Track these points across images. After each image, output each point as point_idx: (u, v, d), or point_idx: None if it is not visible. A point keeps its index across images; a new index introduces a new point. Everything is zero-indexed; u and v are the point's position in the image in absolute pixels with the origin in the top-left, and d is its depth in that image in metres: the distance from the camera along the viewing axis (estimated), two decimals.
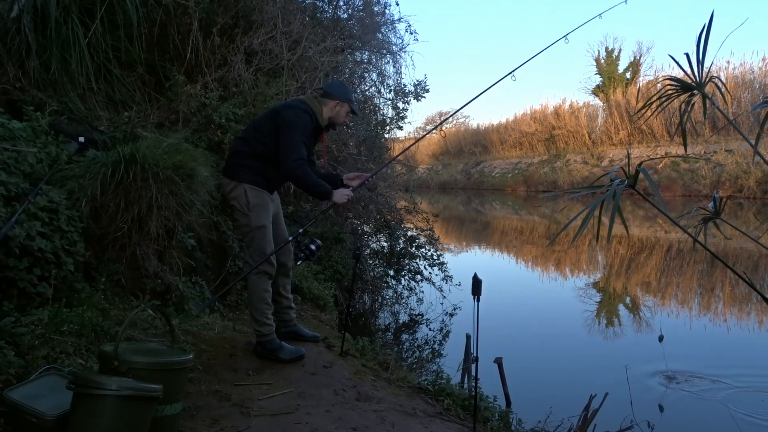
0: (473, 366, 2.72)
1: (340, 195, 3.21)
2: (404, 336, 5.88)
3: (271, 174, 3.22)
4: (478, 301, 2.63)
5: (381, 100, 7.12)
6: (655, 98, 2.13)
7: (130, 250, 3.30)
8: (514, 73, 3.38)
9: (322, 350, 3.55)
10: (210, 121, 4.39)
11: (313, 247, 3.33)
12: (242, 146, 3.25)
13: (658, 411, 3.50)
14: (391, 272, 6.75)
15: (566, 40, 3.32)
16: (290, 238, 3.35)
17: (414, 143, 5.11)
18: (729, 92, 17.32)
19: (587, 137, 27.17)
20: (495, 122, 34.10)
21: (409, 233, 6.90)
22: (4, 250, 2.48)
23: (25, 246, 2.56)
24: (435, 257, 6.73)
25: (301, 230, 3.32)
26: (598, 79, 29.59)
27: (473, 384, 2.99)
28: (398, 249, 6.74)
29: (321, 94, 3.30)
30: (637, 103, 23.47)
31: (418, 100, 6.77)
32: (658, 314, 6.42)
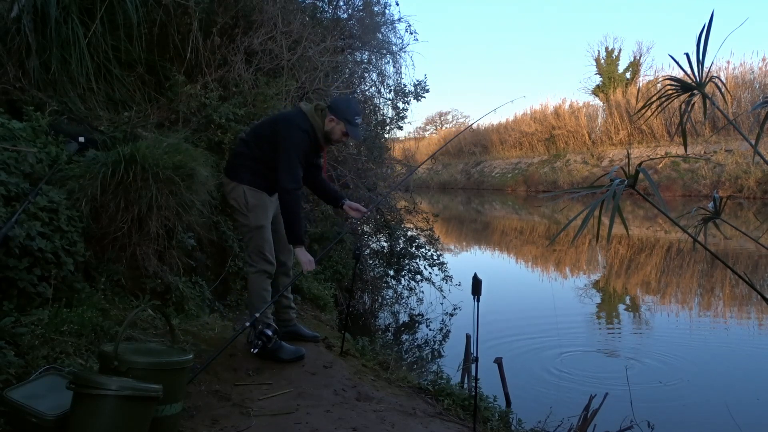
0: (473, 366, 2.72)
1: (306, 259, 3.18)
2: (404, 336, 5.87)
3: (270, 177, 3.23)
4: (478, 301, 2.63)
5: (381, 100, 7.12)
6: (655, 98, 2.13)
7: (130, 250, 3.30)
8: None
9: (322, 350, 3.55)
10: (210, 121, 4.39)
11: (269, 332, 3.19)
12: (243, 148, 3.29)
13: (658, 411, 3.50)
14: (391, 272, 6.75)
15: (495, 111, 3.64)
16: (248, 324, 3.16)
17: (417, 167, 5.15)
18: (729, 92, 17.32)
19: (587, 137, 27.16)
20: (495, 122, 34.11)
21: (409, 233, 6.89)
22: (4, 250, 2.48)
23: (25, 246, 2.56)
24: (435, 257, 6.72)
25: (257, 314, 3.15)
26: (598, 79, 29.59)
27: (473, 384, 3.00)
28: (398, 249, 6.73)
29: (327, 106, 3.30)
30: (637, 103, 23.45)
31: (418, 100, 6.75)
32: (658, 314, 6.42)
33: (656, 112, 2.22)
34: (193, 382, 2.75)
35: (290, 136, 3.13)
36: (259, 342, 3.16)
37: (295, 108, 3.42)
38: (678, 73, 2.07)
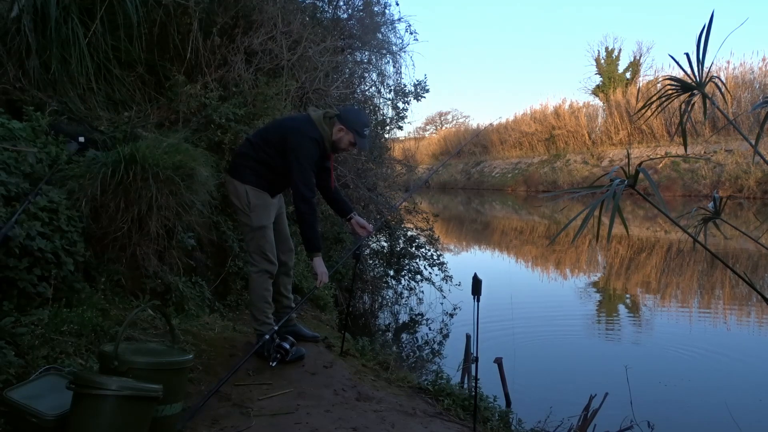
0: (473, 366, 2.72)
1: (322, 270, 3.20)
2: (404, 336, 5.88)
3: (273, 179, 3.24)
4: (478, 301, 2.63)
5: (381, 100, 7.12)
6: (655, 98, 2.13)
7: (130, 250, 3.30)
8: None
9: (322, 350, 3.55)
10: (210, 121, 4.39)
11: (286, 345, 3.21)
12: (248, 149, 3.29)
13: (658, 411, 3.50)
14: (391, 272, 6.75)
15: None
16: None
17: (424, 182, 5.12)
18: (729, 92, 17.32)
19: (587, 137, 27.17)
20: (495, 122, 34.10)
21: (409, 233, 6.89)
22: (4, 250, 2.48)
23: (25, 246, 2.56)
24: (435, 257, 6.73)
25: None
26: (598, 79, 29.62)
27: (473, 384, 2.99)
28: (398, 249, 6.74)
29: (335, 114, 3.30)
30: (637, 103, 23.45)
31: (418, 100, 6.77)
32: (658, 314, 6.42)
33: (656, 112, 2.22)
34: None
35: (300, 147, 3.13)
36: (278, 355, 3.17)
37: (303, 114, 3.41)
38: (678, 73, 2.07)
